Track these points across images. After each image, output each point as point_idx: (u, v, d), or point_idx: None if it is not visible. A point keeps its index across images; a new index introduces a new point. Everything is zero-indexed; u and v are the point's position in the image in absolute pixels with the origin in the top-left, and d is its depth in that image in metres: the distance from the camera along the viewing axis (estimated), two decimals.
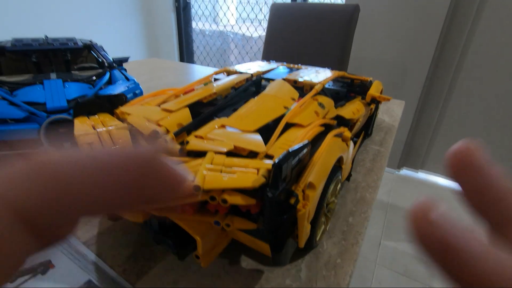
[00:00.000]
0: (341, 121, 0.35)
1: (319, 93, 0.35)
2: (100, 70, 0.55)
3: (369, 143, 0.51)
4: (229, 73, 0.41)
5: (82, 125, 0.26)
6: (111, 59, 0.57)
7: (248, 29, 2.32)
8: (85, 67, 0.57)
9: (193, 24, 2.52)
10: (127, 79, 0.51)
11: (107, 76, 0.50)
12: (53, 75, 0.49)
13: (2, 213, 0.08)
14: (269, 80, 0.38)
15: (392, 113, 0.68)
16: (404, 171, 1.81)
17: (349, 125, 0.35)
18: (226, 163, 0.20)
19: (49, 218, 0.09)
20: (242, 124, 0.26)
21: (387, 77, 1.61)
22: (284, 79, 0.37)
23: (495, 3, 1.35)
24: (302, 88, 0.37)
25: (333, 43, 1.15)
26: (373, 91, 0.46)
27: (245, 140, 0.23)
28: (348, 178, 0.38)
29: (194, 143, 0.23)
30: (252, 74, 0.39)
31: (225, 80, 0.36)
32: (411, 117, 1.61)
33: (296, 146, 0.20)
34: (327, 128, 0.30)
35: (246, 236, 0.22)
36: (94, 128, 0.26)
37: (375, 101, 0.44)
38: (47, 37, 0.59)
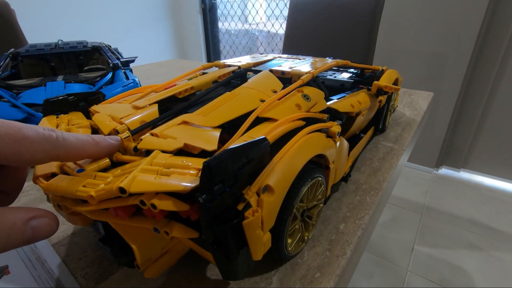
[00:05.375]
0: (335, 115, 0.31)
1: (308, 84, 0.31)
2: (104, 70, 0.55)
3: (382, 140, 0.46)
4: (219, 66, 0.39)
5: (45, 124, 0.25)
6: (118, 60, 0.58)
7: (273, 25, 2.28)
8: (93, 69, 0.59)
9: (219, 25, 2.54)
10: (127, 77, 0.51)
11: (109, 76, 0.51)
12: (59, 78, 0.51)
13: None
14: (256, 72, 0.35)
15: (415, 105, 0.61)
16: (444, 170, 1.65)
17: (343, 119, 0.31)
18: (167, 163, 0.18)
19: None
20: (204, 120, 0.23)
21: (421, 69, 1.48)
22: (270, 70, 0.34)
23: None
24: (291, 80, 0.33)
25: (357, 35, 1.08)
26: (384, 81, 0.41)
27: (199, 138, 0.21)
28: (345, 179, 0.34)
29: (145, 141, 0.21)
30: (239, 67, 0.36)
31: (207, 74, 0.34)
32: (450, 111, 1.47)
33: (243, 143, 0.17)
34: (311, 122, 0.27)
35: (195, 245, 0.20)
36: (57, 127, 0.25)
37: (384, 92, 0.39)
38: (60, 41, 0.61)
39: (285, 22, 2.24)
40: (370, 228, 0.32)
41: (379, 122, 0.44)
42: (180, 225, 0.18)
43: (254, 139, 0.18)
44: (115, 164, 0.22)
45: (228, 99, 0.26)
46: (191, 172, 0.17)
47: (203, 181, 0.15)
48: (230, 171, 0.16)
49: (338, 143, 0.27)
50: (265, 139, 0.19)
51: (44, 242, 0.27)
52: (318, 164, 0.26)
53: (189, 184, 0.16)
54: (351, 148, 0.35)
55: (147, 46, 2.37)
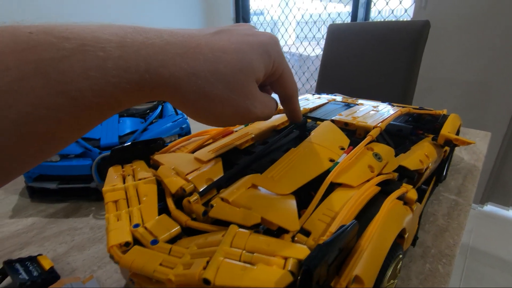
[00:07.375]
0: (404, 173, 0.29)
1: (375, 140, 0.29)
2: (155, 103, 0.57)
3: (442, 190, 0.42)
4: None
5: (113, 177, 0.25)
6: None
7: (305, 49, 2.30)
8: None
9: None
10: (176, 113, 0.52)
11: (159, 110, 0.52)
12: None
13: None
14: (316, 120, 0.34)
15: (473, 148, 0.56)
16: (490, 207, 1.52)
17: (414, 177, 0.29)
18: (249, 245, 0.17)
19: None
20: (275, 185, 0.22)
21: (465, 100, 1.40)
22: (333, 120, 0.32)
23: None
24: (355, 131, 0.32)
25: (398, 65, 1.05)
26: (448, 129, 0.38)
27: (275, 211, 0.20)
28: (413, 243, 0.31)
29: (217, 210, 0.20)
30: None
31: (265, 122, 0.33)
32: (498, 144, 1.36)
33: (334, 234, 0.15)
34: (385, 186, 0.24)
35: None
36: (124, 178, 0.25)
37: (453, 145, 0.36)
38: None
39: (317, 45, 2.24)
40: None
41: (441, 172, 0.41)
42: None
43: (346, 227, 0.16)
44: (184, 229, 0.21)
45: (296, 159, 0.25)
46: (276, 260, 0.16)
47: (301, 284, 0.13)
48: (325, 268, 0.15)
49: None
50: (355, 224, 0.17)
51: None
52: None
53: (280, 283, 0.14)
54: None
55: None
